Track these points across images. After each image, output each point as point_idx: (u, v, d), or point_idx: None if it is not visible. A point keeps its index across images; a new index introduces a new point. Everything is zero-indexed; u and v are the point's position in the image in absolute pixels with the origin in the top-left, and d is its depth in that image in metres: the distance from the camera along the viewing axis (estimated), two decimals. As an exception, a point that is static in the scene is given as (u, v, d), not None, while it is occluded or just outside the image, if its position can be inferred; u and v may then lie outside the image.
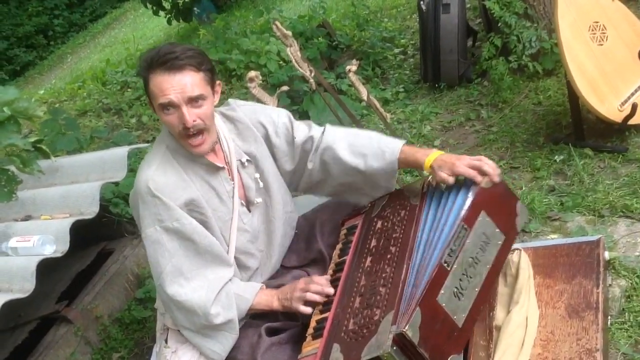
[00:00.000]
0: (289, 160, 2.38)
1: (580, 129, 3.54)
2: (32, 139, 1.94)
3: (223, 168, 2.22)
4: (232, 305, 2.16)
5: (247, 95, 5.14)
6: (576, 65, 3.25)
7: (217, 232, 2.20)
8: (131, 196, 2.21)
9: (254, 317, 2.25)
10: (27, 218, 3.39)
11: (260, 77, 2.88)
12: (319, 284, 2.13)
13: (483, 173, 2.07)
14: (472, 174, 2.07)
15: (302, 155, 2.37)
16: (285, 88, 3.03)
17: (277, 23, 3.06)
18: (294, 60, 3.01)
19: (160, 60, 2.01)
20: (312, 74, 3.14)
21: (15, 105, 1.83)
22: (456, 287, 1.88)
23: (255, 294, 2.21)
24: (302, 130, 2.38)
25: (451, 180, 2.10)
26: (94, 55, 12.09)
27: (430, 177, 2.27)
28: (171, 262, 2.11)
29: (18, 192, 3.41)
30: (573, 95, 3.41)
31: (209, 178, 2.19)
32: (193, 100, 2.03)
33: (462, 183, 2.11)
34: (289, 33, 3.05)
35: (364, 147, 2.29)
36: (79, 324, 3.35)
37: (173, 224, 2.08)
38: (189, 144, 2.09)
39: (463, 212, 1.98)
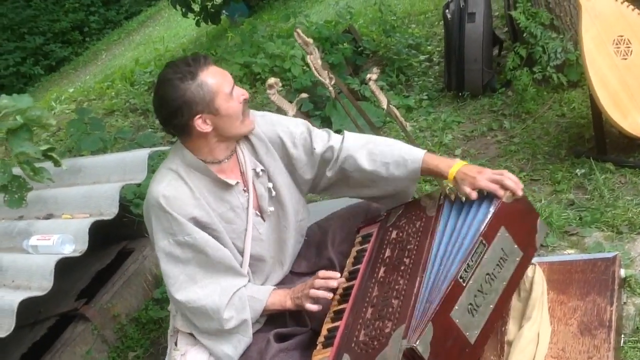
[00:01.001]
0: (308, 170, 2.39)
1: (602, 143, 3.50)
2: (44, 147, 1.97)
3: (235, 184, 2.24)
4: (245, 308, 2.18)
5: (268, 101, 5.18)
6: (599, 79, 3.22)
7: (229, 244, 2.23)
8: (144, 211, 2.25)
9: (264, 323, 2.27)
10: (49, 216, 3.44)
11: (280, 84, 2.89)
12: (323, 278, 2.14)
13: (505, 187, 2.05)
14: (494, 188, 2.05)
15: (321, 165, 2.38)
16: (304, 95, 3.04)
17: (299, 30, 3.07)
18: (313, 68, 3.02)
19: (199, 59, 2.10)
20: (332, 82, 3.15)
21: (28, 113, 1.87)
22: (470, 304, 1.86)
23: (268, 294, 2.24)
24: (322, 139, 2.38)
25: (474, 195, 2.09)
26: (128, 52, 12.22)
27: (447, 188, 2.26)
28: (185, 271, 2.15)
29: (41, 191, 3.48)
30: (595, 109, 3.38)
31: (222, 193, 2.22)
32: None
33: (484, 196, 2.10)
34: (310, 40, 3.06)
35: (384, 156, 2.29)
36: (97, 322, 3.40)
37: (185, 238, 2.12)
38: (248, 120, 2.22)
39: (482, 227, 1.96)
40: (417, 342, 1.71)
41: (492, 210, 2.01)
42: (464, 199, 2.15)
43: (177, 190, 2.14)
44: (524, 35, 4.34)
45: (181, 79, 2.06)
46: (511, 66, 4.40)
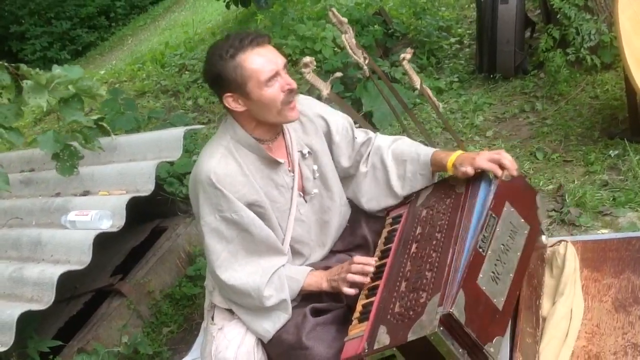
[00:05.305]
0: (345, 158, 2.43)
1: (636, 124, 3.48)
2: (95, 117, 2.01)
3: (283, 163, 2.27)
4: (284, 287, 2.21)
5: (301, 81, 5.19)
6: (635, 60, 3.19)
7: (274, 222, 2.25)
8: (191, 183, 2.26)
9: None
10: (86, 193, 3.51)
11: (315, 63, 2.90)
12: (359, 263, 2.16)
13: (502, 167, 2.13)
14: (492, 167, 2.13)
15: (357, 158, 2.44)
16: (339, 74, 3.04)
17: (334, 9, 3.08)
18: (348, 47, 3.03)
19: (249, 39, 2.09)
20: (367, 62, 3.15)
21: (79, 84, 1.91)
22: (493, 272, 1.92)
23: (305, 275, 2.26)
24: (361, 132, 2.48)
25: (471, 171, 2.17)
26: (154, 37, 12.26)
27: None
28: (228, 248, 2.18)
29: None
30: (630, 90, 3.36)
31: (269, 172, 2.24)
32: (285, 67, 2.14)
33: (487, 176, 2.18)
34: (345, 20, 3.07)
35: (403, 154, 2.39)
36: (132, 297, 3.46)
37: (232, 215, 2.14)
38: (290, 110, 2.16)
39: (489, 202, 2.05)
40: (453, 308, 1.74)
41: (493, 187, 2.11)
42: (491, 175, 2.20)
43: (227, 167, 2.16)
44: (558, 16, 4.31)
45: (220, 56, 2.09)
46: (544, 48, 4.37)
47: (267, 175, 2.24)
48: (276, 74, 2.09)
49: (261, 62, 2.08)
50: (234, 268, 2.18)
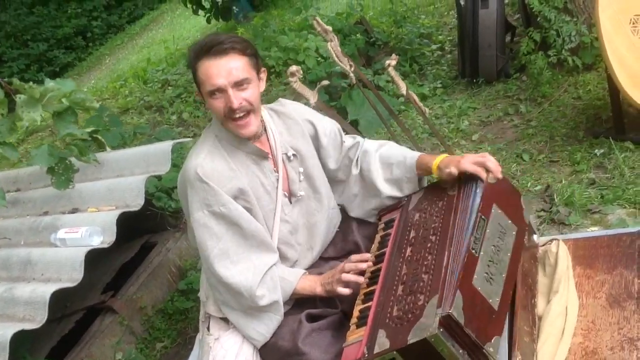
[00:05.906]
0: (332, 161, 2.45)
1: (620, 123, 3.52)
2: (89, 129, 2.01)
3: (268, 157, 2.27)
4: (277, 288, 2.21)
5: (287, 92, 5.21)
6: (617, 59, 3.23)
7: (261, 220, 2.25)
8: (179, 183, 2.28)
9: (294, 305, 2.29)
10: (74, 211, 3.48)
11: (301, 72, 2.91)
12: (352, 261, 2.17)
13: (487, 169, 2.14)
14: (477, 169, 2.14)
15: (345, 162, 2.46)
16: (325, 82, 3.05)
17: (318, 19, 3.09)
18: (334, 55, 3.03)
19: (206, 47, 2.09)
20: (352, 69, 3.16)
21: (72, 97, 1.91)
22: (486, 273, 1.93)
23: (299, 278, 2.25)
24: (350, 137, 2.49)
25: (455, 172, 2.18)
26: (132, 56, 12.25)
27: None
28: (218, 245, 2.17)
29: (64, 186, 3.52)
30: (613, 89, 3.40)
31: (255, 168, 2.25)
32: (239, 84, 2.10)
33: (473, 179, 2.20)
34: (329, 28, 3.08)
35: (390, 157, 2.39)
36: (124, 314, 3.43)
37: (220, 209, 2.15)
38: (235, 126, 2.16)
39: (478, 204, 2.06)
40: (452, 309, 1.75)
41: (480, 190, 2.12)
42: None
43: (214, 162, 2.18)
44: (538, 19, 4.36)
45: (189, 57, 2.16)
46: (525, 51, 4.42)
47: (253, 172, 2.25)
48: (219, 90, 2.10)
49: (207, 74, 2.11)
50: (225, 265, 2.17)
